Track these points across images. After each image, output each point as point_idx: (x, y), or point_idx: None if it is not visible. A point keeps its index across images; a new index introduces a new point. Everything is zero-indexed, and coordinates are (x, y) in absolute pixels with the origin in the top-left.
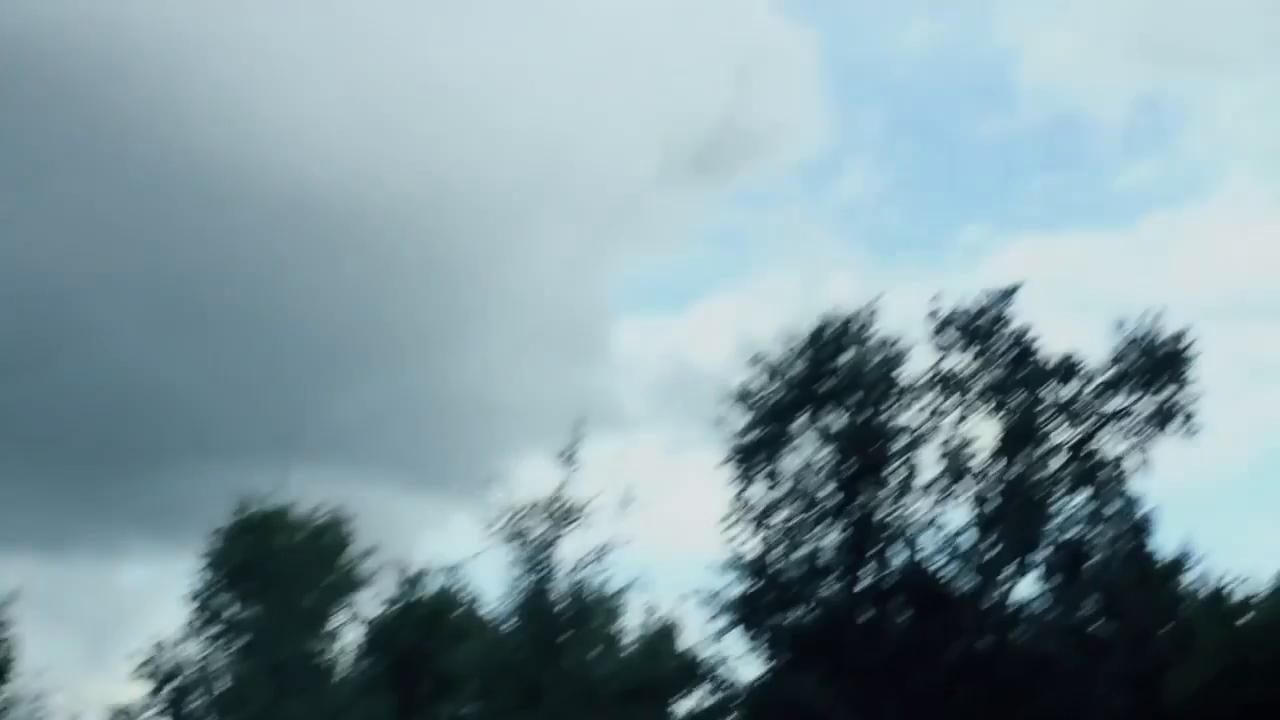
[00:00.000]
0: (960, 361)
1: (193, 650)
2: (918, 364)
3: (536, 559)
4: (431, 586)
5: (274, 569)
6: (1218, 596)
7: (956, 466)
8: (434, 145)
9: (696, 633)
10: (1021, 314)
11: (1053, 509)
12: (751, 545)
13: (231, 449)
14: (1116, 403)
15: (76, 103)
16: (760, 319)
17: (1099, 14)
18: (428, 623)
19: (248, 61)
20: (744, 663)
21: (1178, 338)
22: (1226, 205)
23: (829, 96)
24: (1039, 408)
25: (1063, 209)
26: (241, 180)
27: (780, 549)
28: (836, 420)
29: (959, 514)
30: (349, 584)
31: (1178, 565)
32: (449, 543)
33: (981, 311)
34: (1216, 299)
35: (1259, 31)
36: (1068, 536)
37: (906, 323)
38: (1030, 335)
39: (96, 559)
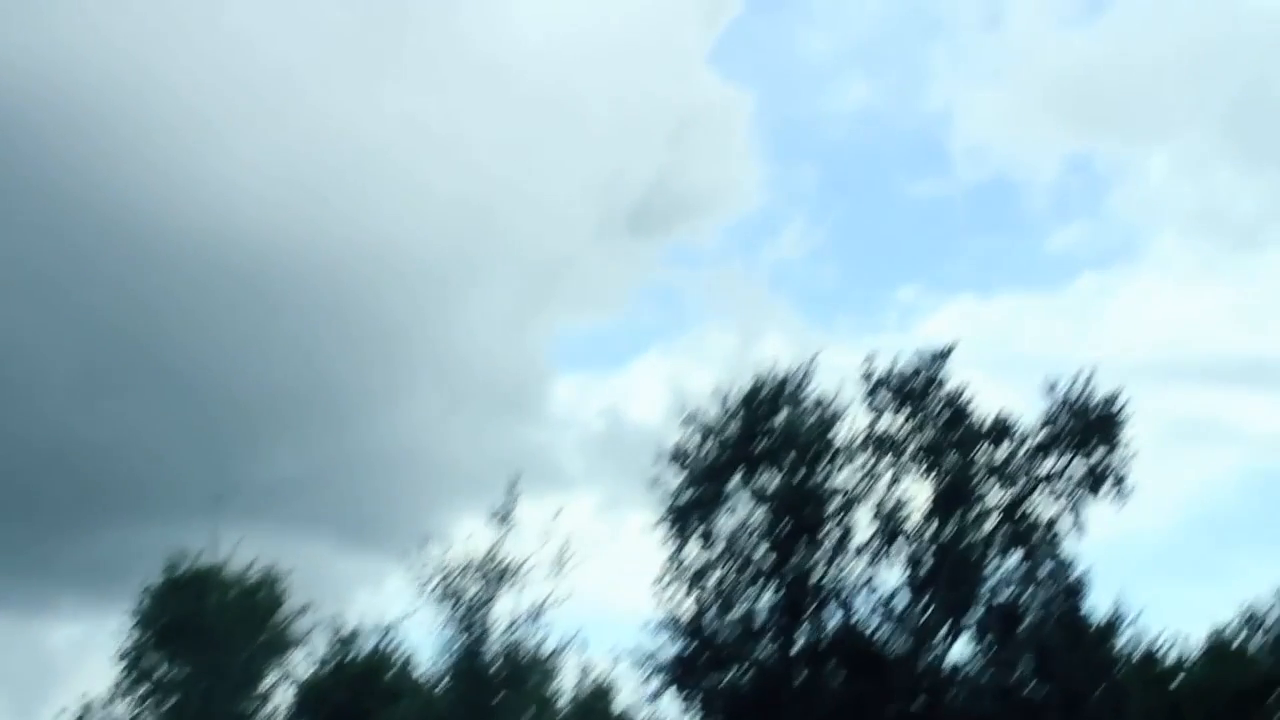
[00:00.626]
0: (894, 422)
1: (122, 710)
2: (852, 424)
3: (471, 619)
4: (365, 646)
5: (205, 628)
6: (1150, 659)
7: (891, 527)
8: (371, 204)
9: (631, 694)
10: (955, 375)
11: (986, 570)
12: (686, 605)
13: (163, 507)
14: (1049, 465)
15: None
16: (696, 377)
17: (1030, 78)
18: (361, 683)
19: (177, 120)
20: None
21: (1109, 400)
22: (1156, 268)
23: (764, 156)
24: (972, 469)
25: (996, 270)
26: (177, 240)
27: (715, 609)
28: (771, 481)
29: (893, 575)
30: (281, 643)
31: (1111, 627)
32: (383, 602)
33: (915, 373)
34: (1147, 360)
35: (1187, 96)
36: (1001, 598)
37: (841, 383)
38: (964, 396)
39: (25, 617)
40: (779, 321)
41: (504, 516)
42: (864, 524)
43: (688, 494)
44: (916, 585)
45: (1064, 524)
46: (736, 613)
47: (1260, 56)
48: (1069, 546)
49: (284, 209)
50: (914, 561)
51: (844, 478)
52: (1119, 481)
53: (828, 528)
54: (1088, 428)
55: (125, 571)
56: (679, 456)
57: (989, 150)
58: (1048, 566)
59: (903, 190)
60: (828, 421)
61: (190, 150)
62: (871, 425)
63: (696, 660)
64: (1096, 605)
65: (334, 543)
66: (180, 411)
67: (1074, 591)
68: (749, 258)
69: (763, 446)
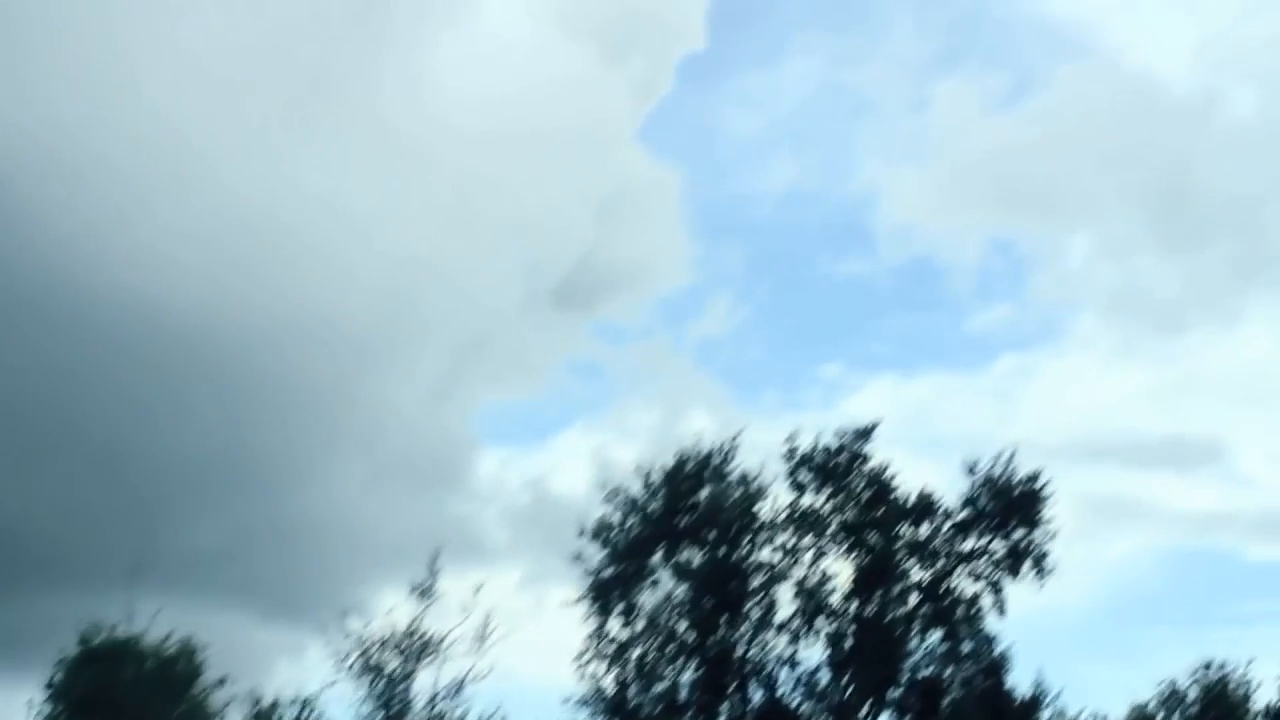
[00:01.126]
0: (817, 500)
1: None
2: (775, 501)
3: (391, 693)
4: (284, 718)
5: (120, 700)
6: None
7: (813, 604)
8: (297, 276)
9: None
10: (878, 453)
11: (908, 648)
12: (609, 681)
13: (80, 576)
14: (970, 543)
15: None
16: (621, 452)
17: (955, 161)
18: None
19: (95, 191)
20: None
21: (1030, 480)
22: (1077, 349)
23: (692, 233)
24: (894, 547)
25: (919, 350)
26: (101, 310)
27: (637, 685)
28: (694, 557)
29: (815, 652)
30: (199, 716)
31: (1032, 705)
32: (303, 674)
33: (838, 450)
34: (1067, 441)
35: (1109, 181)
36: (923, 674)
37: (765, 459)
38: (887, 474)
39: None
40: (704, 397)
41: (425, 590)
42: (786, 600)
43: (610, 570)
44: (838, 662)
45: (985, 602)
46: (659, 688)
47: (1180, 144)
48: (990, 624)
49: (209, 281)
50: (836, 638)
51: (767, 554)
52: (1039, 560)
53: (750, 604)
54: (1008, 507)
55: (39, 642)
56: (601, 532)
57: (913, 231)
58: (969, 644)
59: (828, 269)
60: (751, 498)
61: (112, 221)
62: (794, 502)
63: None
64: (1018, 683)
65: (254, 614)
66: (100, 480)
67: (995, 669)
68: (675, 333)
69: (686, 523)
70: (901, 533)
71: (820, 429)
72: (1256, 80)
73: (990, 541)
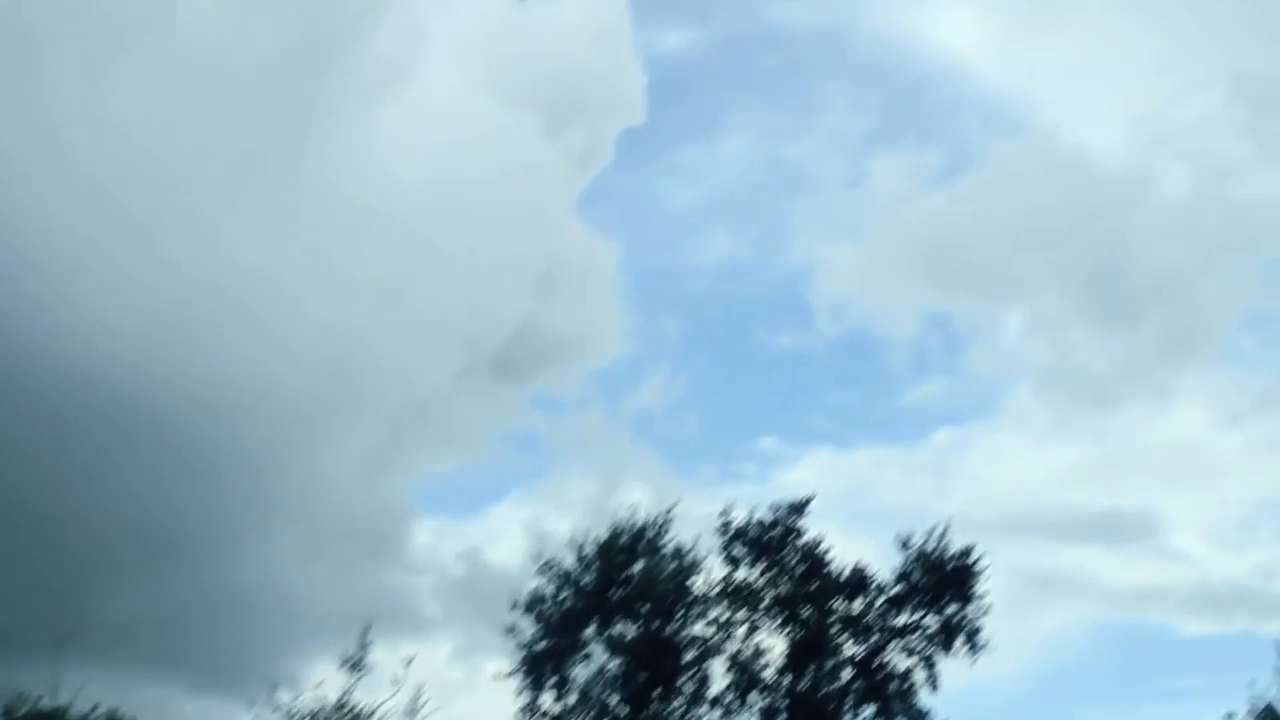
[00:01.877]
0: (751, 573)
1: None
2: (709, 575)
3: None
4: None
5: None
6: None
7: (747, 678)
8: (232, 343)
9: None
10: (812, 527)
11: None
12: None
13: (4, 646)
14: (904, 618)
15: None
16: (556, 523)
17: (890, 235)
18: None
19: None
20: None
21: (963, 554)
22: (1011, 424)
23: (629, 305)
24: (829, 621)
25: (854, 423)
26: (30, 375)
27: None
28: (627, 630)
29: None
30: None
31: None
32: None
33: (773, 524)
34: (1001, 515)
35: (1043, 258)
36: None
37: (700, 532)
38: (821, 548)
39: None
40: (640, 469)
41: (356, 663)
42: (720, 675)
43: (543, 643)
44: None
45: (918, 677)
46: None
47: (1113, 221)
48: (923, 699)
49: (142, 348)
50: (770, 713)
51: (700, 628)
52: (972, 635)
53: (684, 678)
54: (941, 582)
55: None
56: (535, 604)
57: (850, 305)
58: (903, 719)
59: (764, 342)
60: (685, 571)
61: (45, 287)
62: (728, 576)
63: None
64: None
65: (183, 685)
66: (27, 547)
67: None
68: (612, 405)
69: (619, 596)
70: (835, 607)
71: (756, 502)
72: (1187, 159)
73: (924, 616)
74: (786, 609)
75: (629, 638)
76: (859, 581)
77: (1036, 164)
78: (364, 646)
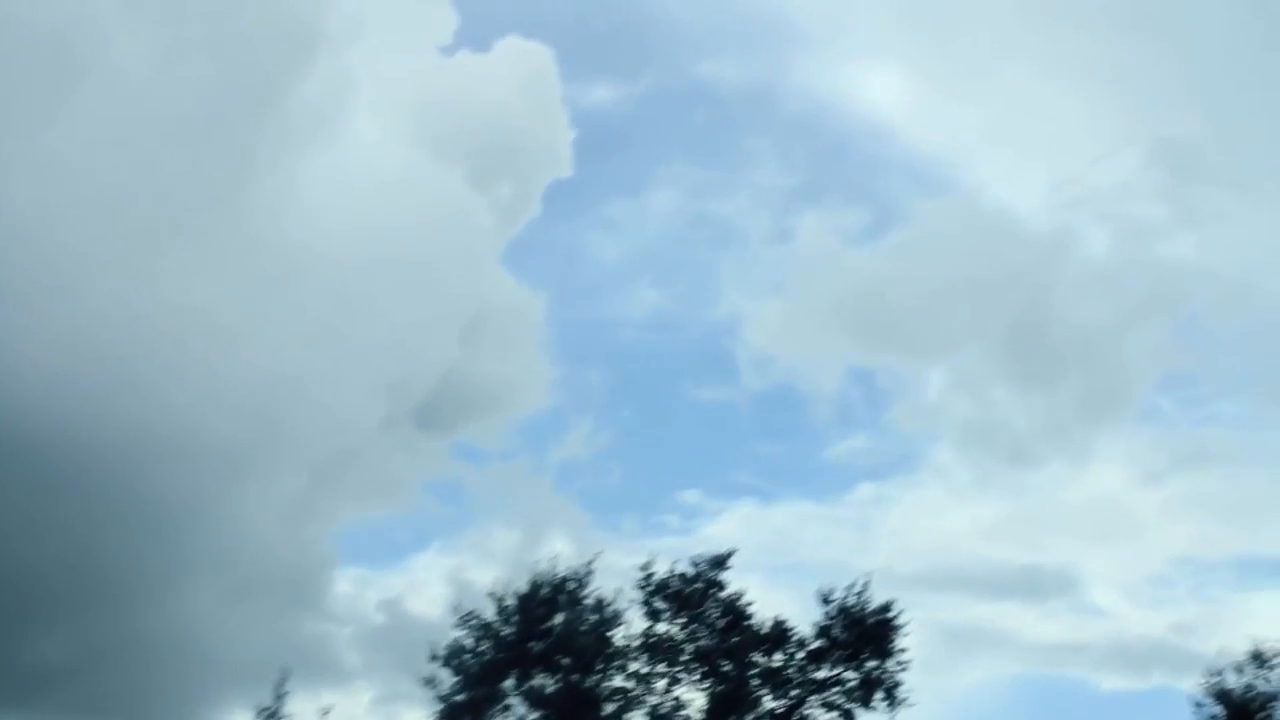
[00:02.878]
0: (672, 627)
1: None
2: (630, 627)
3: None
4: None
5: None
6: None
7: None
8: (156, 388)
9: None
10: (734, 581)
11: None
12: None
13: None
14: (824, 672)
15: None
16: (479, 573)
17: (815, 291)
18: None
19: None
20: None
21: (883, 609)
22: (932, 479)
23: (555, 357)
24: (749, 674)
25: (777, 477)
26: None
27: None
28: (546, 683)
29: None
30: None
31: None
32: None
33: (695, 577)
34: (922, 569)
35: (965, 316)
36: None
37: (622, 585)
38: (742, 602)
39: None
40: (563, 520)
41: (271, 713)
42: None
43: (462, 694)
44: None
45: None
46: None
47: (1034, 280)
48: None
49: (66, 390)
50: None
51: (620, 681)
52: (891, 690)
53: None
54: (861, 637)
55: None
56: (454, 656)
57: (774, 360)
58: None
59: (689, 395)
60: (606, 624)
61: None
62: (649, 629)
63: None
64: None
65: None
66: None
67: None
68: (536, 456)
69: (539, 648)
70: (756, 661)
71: (679, 554)
72: (1108, 221)
73: (843, 671)
74: (707, 663)
75: (548, 690)
76: (779, 635)
77: (960, 223)
78: (280, 696)
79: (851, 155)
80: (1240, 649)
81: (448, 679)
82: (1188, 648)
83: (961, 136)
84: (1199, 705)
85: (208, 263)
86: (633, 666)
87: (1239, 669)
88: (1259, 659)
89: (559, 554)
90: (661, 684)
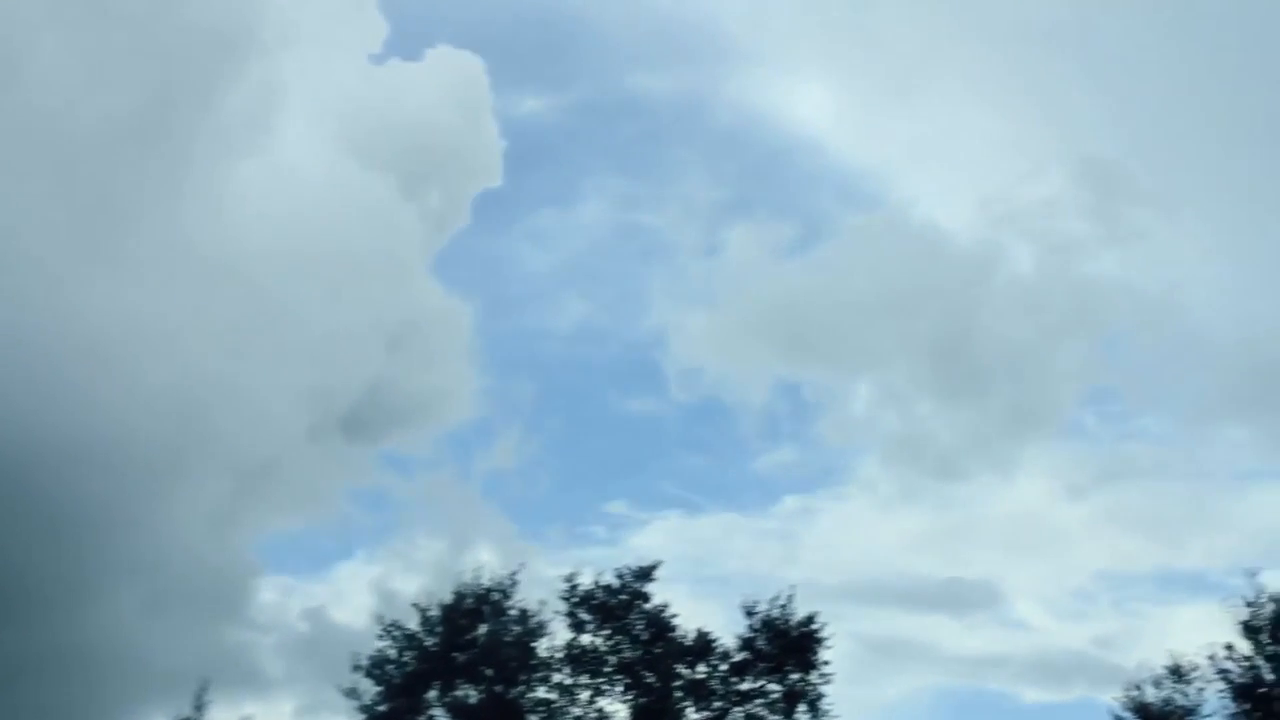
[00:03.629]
0: (596, 638)
1: None
2: (554, 638)
3: None
4: None
5: None
6: None
7: None
8: (79, 394)
9: None
10: (659, 592)
11: None
12: None
13: None
14: (748, 684)
15: None
16: (404, 582)
17: (743, 304)
18: None
19: None
20: None
21: (807, 622)
22: (858, 492)
23: (482, 367)
24: (673, 686)
25: (704, 489)
26: None
27: None
28: (470, 693)
29: None
30: None
31: None
32: None
33: (619, 589)
34: (847, 582)
35: (892, 330)
36: None
37: (547, 595)
38: (666, 614)
39: None
40: (490, 530)
41: None
42: None
43: (384, 705)
44: None
45: None
46: None
47: (961, 295)
48: None
49: None
50: None
51: (544, 692)
52: (814, 702)
53: None
54: (785, 649)
55: None
56: (377, 666)
57: (702, 372)
58: None
59: (617, 406)
60: (530, 635)
61: None
62: (573, 641)
63: None
64: None
65: None
66: None
67: None
68: (463, 466)
69: (463, 659)
70: (679, 673)
71: (605, 565)
72: (1033, 238)
73: (767, 683)
74: (630, 675)
75: (471, 701)
76: (703, 647)
77: (888, 238)
78: (201, 705)
79: (781, 169)
80: (1160, 662)
81: (370, 689)
82: (1109, 661)
83: (890, 153)
84: (1118, 718)
85: (134, 268)
86: (556, 678)
87: (1158, 683)
88: (1177, 673)
89: (485, 564)
90: (585, 695)
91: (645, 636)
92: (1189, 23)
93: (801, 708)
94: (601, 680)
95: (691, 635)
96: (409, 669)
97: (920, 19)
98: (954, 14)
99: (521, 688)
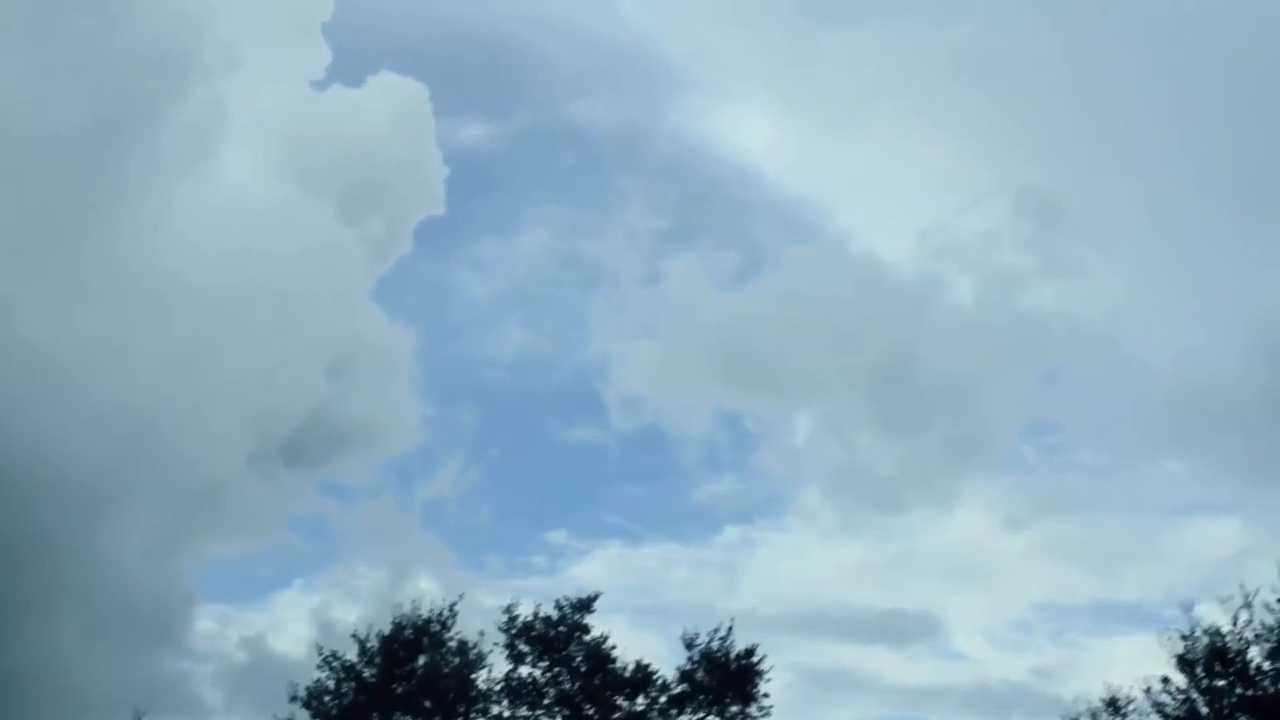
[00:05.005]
0: (536, 669)
1: None
2: (493, 670)
3: None
4: None
5: None
6: None
7: None
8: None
9: None
10: (599, 623)
11: None
12: None
13: None
14: (687, 716)
15: None
16: (343, 612)
17: (684, 333)
18: None
19: None
20: None
21: (747, 654)
22: (799, 523)
23: (424, 395)
24: (612, 717)
25: (645, 519)
26: None
27: None
28: None
29: None
30: None
31: None
32: None
33: (559, 620)
34: (787, 612)
35: (832, 361)
36: None
37: (486, 625)
38: (606, 645)
39: None
40: (430, 559)
41: None
42: None
43: None
44: None
45: None
46: None
47: (901, 326)
48: None
49: None
50: None
51: None
52: None
53: None
54: (725, 681)
55: None
56: (314, 698)
57: (643, 401)
58: None
59: (558, 435)
60: (469, 666)
61: None
62: (512, 672)
63: None
64: None
65: None
66: None
67: None
68: (403, 494)
69: (402, 690)
70: (618, 705)
71: (545, 595)
72: (973, 270)
73: (706, 715)
74: (569, 706)
75: None
76: (643, 679)
77: (828, 268)
78: None
79: (722, 199)
80: (1097, 695)
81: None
82: (1047, 692)
83: (830, 184)
84: None
85: (75, 293)
86: (495, 710)
87: (1094, 715)
88: (1114, 706)
89: (424, 593)
90: None
91: (584, 668)
92: (1125, 58)
93: None
94: (540, 712)
95: (631, 667)
96: (347, 700)
97: (859, 52)
98: (893, 47)
99: (462, 718)
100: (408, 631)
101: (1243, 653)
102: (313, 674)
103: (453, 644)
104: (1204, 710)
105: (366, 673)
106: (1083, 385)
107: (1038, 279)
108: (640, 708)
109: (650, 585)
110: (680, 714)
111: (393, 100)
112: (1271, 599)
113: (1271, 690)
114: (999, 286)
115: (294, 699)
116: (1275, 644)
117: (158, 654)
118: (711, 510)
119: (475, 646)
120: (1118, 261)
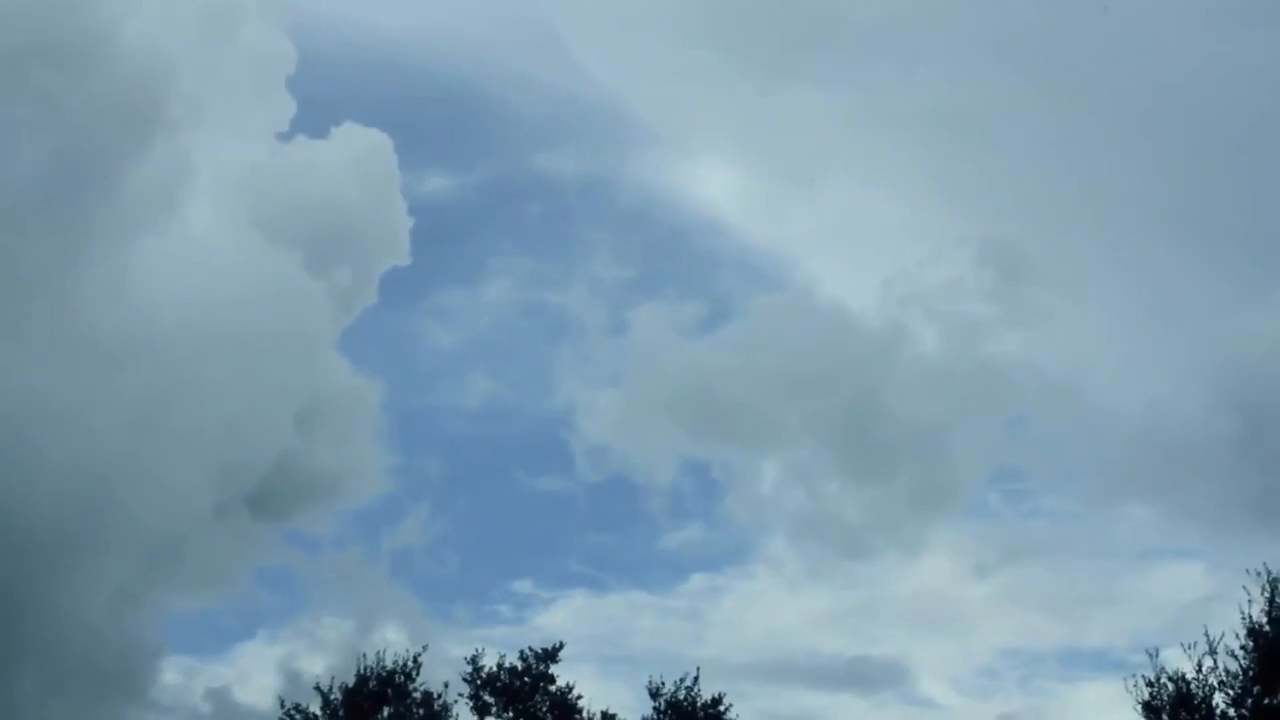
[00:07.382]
0: None
1: None
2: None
3: None
4: None
5: None
6: None
7: None
8: None
9: None
10: (565, 672)
11: None
12: None
13: None
14: None
15: None
16: (309, 663)
17: (650, 382)
18: None
19: None
20: None
21: (714, 704)
22: (765, 571)
23: (390, 445)
24: None
25: (611, 567)
26: None
27: None
28: None
29: None
30: None
31: None
32: None
33: (524, 671)
34: (754, 661)
35: (799, 408)
36: None
37: (451, 676)
38: (571, 696)
39: None
40: (396, 609)
41: None
42: None
43: None
44: None
45: None
46: None
47: (867, 375)
48: None
49: None
50: None
51: None
52: None
53: None
54: None
55: None
56: None
57: (609, 451)
58: None
59: (524, 485)
60: (434, 717)
61: None
62: None
63: None
64: None
65: None
66: None
67: None
68: (370, 544)
69: None
70: None
71: (511, 644)
72: (938, 319)
73: None
74: None
75: None
76: None
77: (794, 318)
78: None
79: (687, 249)
80: None
81: None
82: None
83: (795, 234)
84: None
85: (36, 345)
86: None
87: None
88: None
89: (390, 643)
90: None
91: (550, 719)
92: (1087, 109)
93: None
94: None
95: (597, 717)
96: None
97: (823, 103)
98: (857, 98)
99: None
100: (372, 683)
101: (1208, 699)
102: None
103: (417, 695)
104: None
105: None
106: (1048, 432)
107: (1002, 327)
108: None
109: (617, 634)
110: None
111: (357, 151)
112: (1235, 645)
113: None
114: (964, 335)
115: None
116: (1239, 691)
117: (122, 708)
118: (678, 558)
119: (440, 698)
120: (1082, 309)
